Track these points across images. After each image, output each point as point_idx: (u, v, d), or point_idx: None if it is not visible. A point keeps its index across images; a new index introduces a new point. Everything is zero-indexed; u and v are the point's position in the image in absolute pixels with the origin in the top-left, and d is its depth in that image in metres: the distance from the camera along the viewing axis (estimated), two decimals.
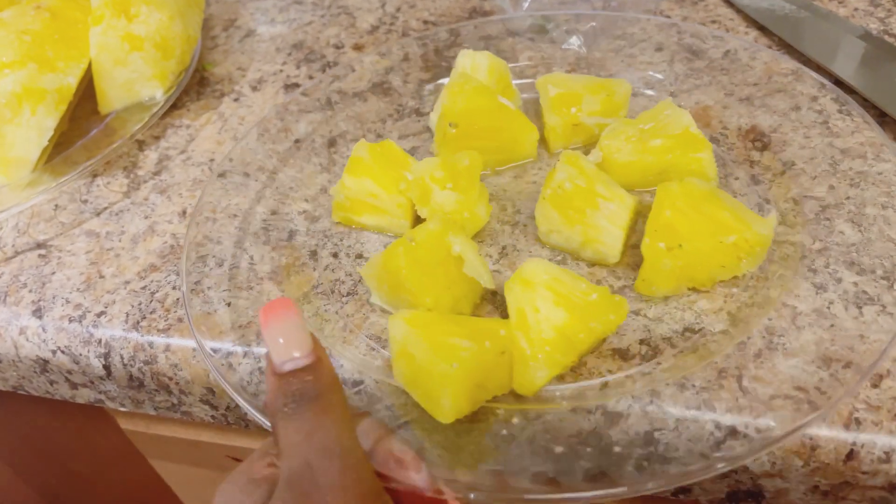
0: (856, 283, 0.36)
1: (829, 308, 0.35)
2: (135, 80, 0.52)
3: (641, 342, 0.36)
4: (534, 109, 0.50)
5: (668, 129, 0.41)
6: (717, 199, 0.37)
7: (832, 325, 0.34)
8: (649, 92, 0.49)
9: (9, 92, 0.47)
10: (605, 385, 0.34)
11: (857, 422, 0.32)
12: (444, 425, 0.32)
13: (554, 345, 0.34)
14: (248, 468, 0.28)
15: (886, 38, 0.51)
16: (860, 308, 0.35)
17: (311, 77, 0.57)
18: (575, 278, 0.35)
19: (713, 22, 0.55)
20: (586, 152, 0.46)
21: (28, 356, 0.43)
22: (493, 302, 0.39)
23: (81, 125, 0.54)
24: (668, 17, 0.56)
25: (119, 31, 0.51)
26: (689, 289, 0.37)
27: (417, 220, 0.43)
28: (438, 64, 0.54)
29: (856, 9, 0.54)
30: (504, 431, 0.33)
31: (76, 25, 0.52)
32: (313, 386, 0.27)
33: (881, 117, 0.45)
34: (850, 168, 0.41)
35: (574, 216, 0.38)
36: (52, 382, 0.45)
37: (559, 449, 0.32)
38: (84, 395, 0.45)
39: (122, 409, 0.45)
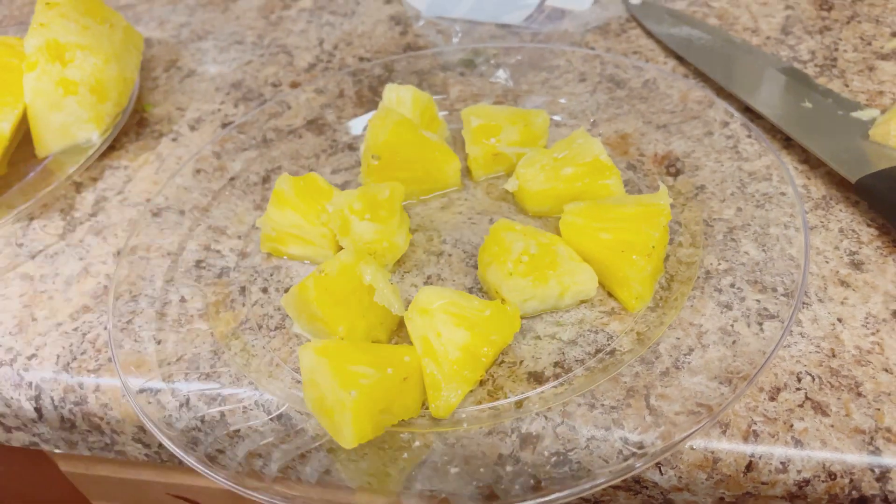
0: (758, 301, 0.38)
1: (732, 326, 0.37)
2: (71, 123, 0.53)
3: (556, 364, 0.37)
4: (460, 140, 0.52)
5: (579, 158, 0.43)
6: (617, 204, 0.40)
7: (734, 342, 0.36)
8: (571, 122, 0.51)
9: None
10: (519, 404, 0.36)
11: (756, 434, 0.33)
12: (353, 450, 0.33)
13: (461, 363, 0.35)
14: None
15: (795, 64, 0.53)
16: (761, 325, 0.36)
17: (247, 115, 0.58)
18: (467, 297, 0.37)
19: (635, 52, 0.57)
20: (506, 180, 0.48)
21: None
22: None
23: (20, 168, 0.55)
24: (593, 48, 0.59)
25: (53, 77, 0.52)
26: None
27: (341, 250, 0.44)
28: (372, 99, 0.56)
29: (768, 37, 0.56)
30: (406, 455, 0.34)
31: (10, 71, 0.53)
32: None
33: (787, 141, 0.47)
34: (757, 190, 0.43)
35: (543, 275, 0.38)
36: None
37: (463, 469, 0.33)
38: (19, 439, 0.45)
39: (57, 450, 0.45)
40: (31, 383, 0.42)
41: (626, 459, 0.33)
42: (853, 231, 0.42)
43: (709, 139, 0.47)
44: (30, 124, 0.53)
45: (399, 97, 0.49)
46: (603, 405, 0.35)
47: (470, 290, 0.42)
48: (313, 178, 0.45)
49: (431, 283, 0.43)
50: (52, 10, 0.55)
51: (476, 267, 0.43)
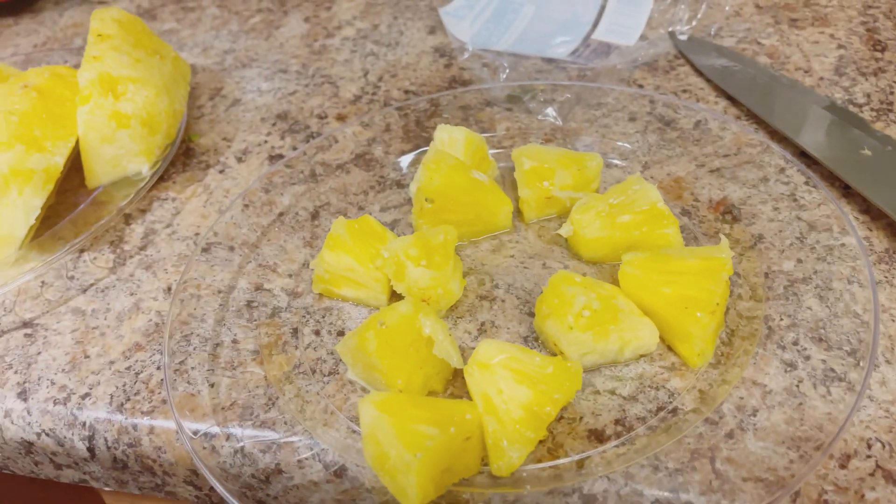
0: (824, 361, 0.37)
1: (797, 387, 0.36)
2: (122, 156, 0.53)
3: (616, 422, 0.37)
4: (510, 179, 0.52)
5: (636, 205, 0.43)
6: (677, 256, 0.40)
7: (801, 404, 0.35)
8: (622, 163, 0.51)
9: None
10: (580, 463, 0.35)
11: None
12: None
13: (524, 422, 0.34)
14: None
15: (850, 107, 0.53)
16: (828, 387, 0.36)
17: (294, 148, 0.58)
18: (528, 353, 0.36)
19: (684, 91, 0.57)
20: (559, 223, 0.47)
21: (13, 438, 0.43)
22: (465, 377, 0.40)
23: (69, 199, 0.55)
24: (641, 86, 0.58)
25: (106, 110, 0.52)
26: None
27: (394, 293, 0.44)
28: (419, 134, 0.56)
29: (821, 78, 0.56)
30: None
31: (64, 104, 0.54)
32: None
33: (846, 188, 0.47)
34: (818, 242, 0.42)
35: (604, 329, 0.37)
36: (36, 463, 0.45)
37: None
38: (68, 476, 0.45)
39: (107, 488, 0.45)
40: (84, 423, 0.42)
41: None
42: None
43: (765, 185, 0.47)
44: (81, 156, 0.53)
45: (451, 138, 0.48)
46: (667, 468, 0.34)
47: (525, 339, 0.41)
48: (368, 221, 0.44)
49: (485, 330, 0.42)
50: (105, 42, 0.55)
51: (530, 314, 0.43)
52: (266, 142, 0.59)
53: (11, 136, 0.49)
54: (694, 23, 0.63)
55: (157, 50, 0.58)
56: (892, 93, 0.53)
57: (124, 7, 0.82)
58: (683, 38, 0.62)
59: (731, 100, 0.55)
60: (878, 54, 0.57)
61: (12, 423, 0.43)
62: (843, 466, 0.33)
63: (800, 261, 0.42)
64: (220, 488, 0.35)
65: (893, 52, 0.57)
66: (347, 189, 0.53)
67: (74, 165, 0.56)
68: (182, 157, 0.59)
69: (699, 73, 0.58)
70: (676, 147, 0.51)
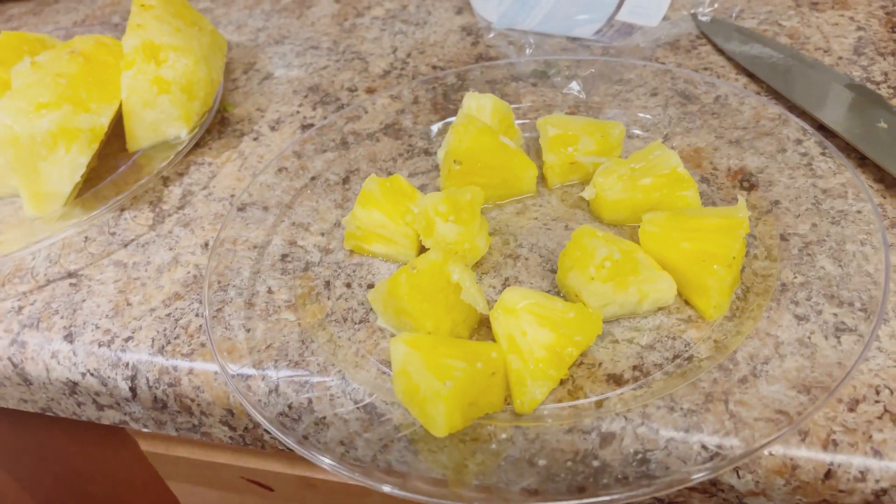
0: (835, 315, 0.38)
1: (809, 338, 0.38)
2: (162, 120, 0.56)
3: (634, 368, 0.38)
4: (534, 148, 0.54)
5: (657, 169, 0.44)
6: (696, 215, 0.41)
7: (812, 353, 0.37)
8: (644, 134, 0.53)
9: (45, 130, 0.50)
10: (599, 404, 0.37)
11: (835, 443, 0.34)
12: (441, 439, 0.34)
13: (546, 361, 0.36)
14: None
15: (868, 85, 0.54)
16: (839, 338, 0.37)
17: (325, 118, 0.60)
18: (550, 299, 0.38)
19: (705, 69, 0.59)
20: (581, 189, 0.49)
21: (59, 378, 0.45)
22: (489, 325, 0.42)
23: (110, 162, 0.58)
24: (663, 63, 0.60)
25: (149, 76, 0.54)
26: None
27: (422, 250, 0.46)
28: (446, 106, 0.58)
29: (840, 57, 0.57)
30: (494, 446, 0.35)
31: (108, 69, 0.56)
32: None
33: (861, 160, 0.48)
34: (832, 207, 0.44)
35: (624, 281, 0.39)
36: (79, 404, 0.47)
37: (548, 463, 0.34)
38: (109, 417, 0.47)
39: (145, 429, 0.47)
40: (127, 364, 0.44)
41: (704, 462, 0.34)
42: None
43: (782, 156, 0.48)
44: (124, 119, 0.56)
45: (479, 105, 0.50)
46: (682, 408, 0.36)
47: (547, 293, 0.43)
48: (398, 180, 0.46)
49: (509, 285, 0.44)
50: (148, 11, 0.57)
51: (552, 271, 0.44)
52: (298, 112, 0.61)
53: (60, 97, 0.52)
54: (716, 5, 0.64)
55: (195, 21, 0.61)
56: None
57: None
58: (706, 19, 0.63)
59: (752, 77, 0.57)
60: None
61: (58, 363, 0.45)
62: (851, 410, 0.35)
63: (814, 224, 0.43)
64: (260, 418, 0.37)
65: None
66: (377, 156, 0.55)
67: (115, 131, 0.58)
68: (218, 126, 0.61)
69: (720, 52, 0.60)
70: (696, 119, 0.52)
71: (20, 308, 0.48)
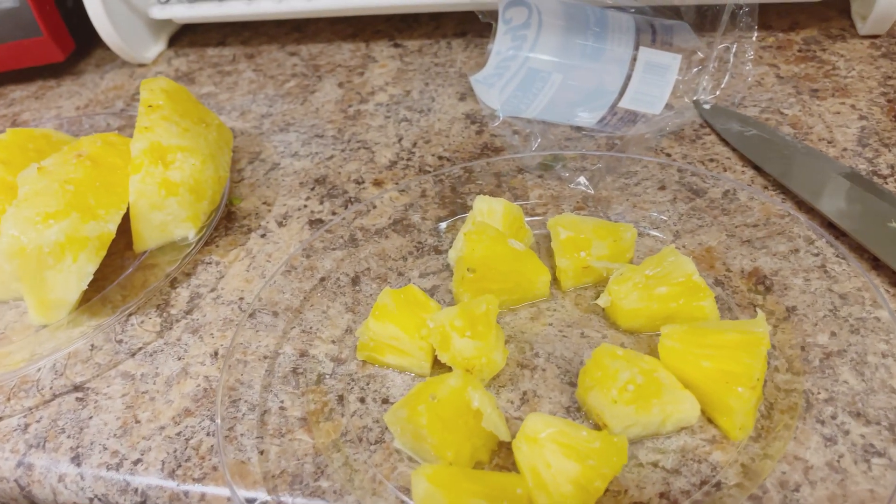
0: (863, 436, 0.38)
1: (839, 462, 0.37)
2: (169, 222, 0.55)
3: (661, 496, 0.37)
4: (545, 246, 0.53)
5: (671, 277, 0.44)
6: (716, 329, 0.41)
7: (843, 480, 0.36)
8: (654, 232, 0.52)
9: (53, 241, 0.50)
10: None
11: None
12: None
13: (573, 498, 0.35)
14: None
15: (875, 178, 0.54)
16: (868, 462, 0.37)
17: (334, 213, 0.60)
18: (574, 426, 0.37)
19: (711, 160, 0.59)
20: (596, 293, 0.49)
21: (66, 503, 0.44)
22: (510, 447, 0.41)
23: (115, 261, 0.57)
24: (669, 154, 0.60)
25: (156, 178, 0.54)
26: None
27: (437, 361, 0.45)
28: (454, 200, 0.58)
29: (844, 149, 0.57)
30: None
31: (115, 171, 0.56)
32: None
33: (874, 261, 0.48)
34: (850, 314, 0.44)
35: (647, 403, 0.38)
36: None
37: None
38: None
39: None
40: (136, 489, 0.43)
41: None
42: None
43: (795, 257, 0.48)
44: (131, 222, 0.56)
45: (491, 209, 0.50)
46: None
47: (567, 409, 0.42)
48: (412, 291, 0.46)
49: (528, 400, 0.43)
50: (155, 112, 0.58)
51: (571, 384, 0.44)
52: (305, 206, 0.61)
53: (68, 205, 0.51)
54: (717, 92, 0.65)
55: (202, 118, 0.61)
56: None
57: (162, 70, 0.85)
58: (707, 107, 0.64)
59: (758, 169, 0.57)
60: None
61: (66, 487, 0.44)
62: None
63: (833, 333, 0.43)
64: None
65: None
66: (386, 254, 0.54)
67: (121, 228, 0.58)
68: (224, 221, 0.61)
69: (724, 141, 0.60)
70: (706, 216, 0.52)
71: (26, 426, 0.47)
